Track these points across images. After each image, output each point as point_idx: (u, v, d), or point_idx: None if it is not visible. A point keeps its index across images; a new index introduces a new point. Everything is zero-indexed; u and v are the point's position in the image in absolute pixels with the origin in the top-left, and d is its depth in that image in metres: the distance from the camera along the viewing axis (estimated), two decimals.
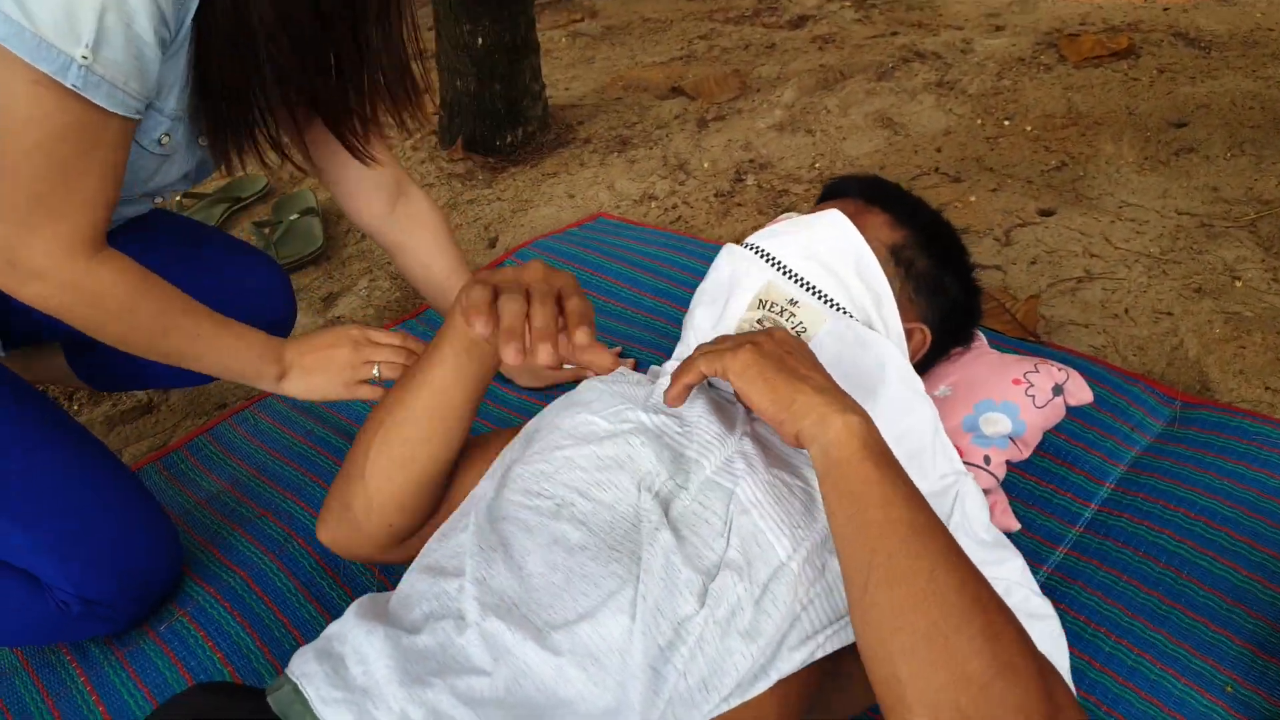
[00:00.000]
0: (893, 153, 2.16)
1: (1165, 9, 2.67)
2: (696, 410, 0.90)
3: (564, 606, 0.74)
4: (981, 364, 1.14)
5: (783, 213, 1.97)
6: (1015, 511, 1.11)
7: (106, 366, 1.42)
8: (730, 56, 2.91)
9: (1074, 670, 0.95)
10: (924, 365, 1.03)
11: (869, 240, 0.97)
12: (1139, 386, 1.28)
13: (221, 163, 1.19)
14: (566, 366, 1.43)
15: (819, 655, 0.74)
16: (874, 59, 2.64)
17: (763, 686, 0.72)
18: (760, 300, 0.95)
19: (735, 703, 0.71)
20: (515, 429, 1.01)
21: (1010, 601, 0.86)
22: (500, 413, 1.45)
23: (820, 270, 0.95)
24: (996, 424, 1.09)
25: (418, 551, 0.91)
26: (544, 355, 0.69)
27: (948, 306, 1.03)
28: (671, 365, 1.01)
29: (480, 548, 0.80)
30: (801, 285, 0.94)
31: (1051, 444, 1.19)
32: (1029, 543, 1.09)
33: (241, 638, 1.13)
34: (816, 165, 2.18)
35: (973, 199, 1.91)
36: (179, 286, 1.27)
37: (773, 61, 2.79)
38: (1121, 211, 1.78)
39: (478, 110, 2.38)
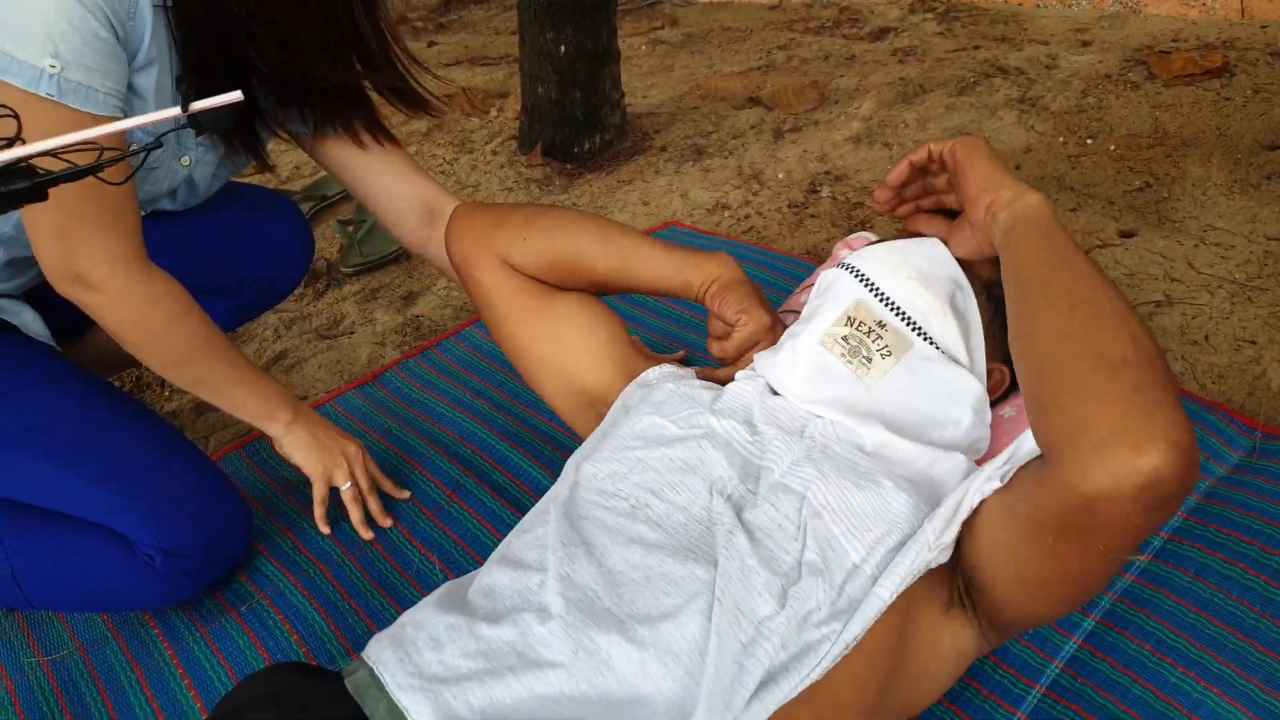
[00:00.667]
0: None
1: (1264, 26, 2.59)
2: (764, 418, 0.93)
3: (646, 604, 0.77)
4: None
5: (857, 226, 1.97)
6: None
7: None
8: (809, 67, 2.91)
9: (1136, 699, 0.94)
10: (996, 403, 1.03)
11: (966, 272, 0.98)
12: (1217, 415, 1.25)
13: (228, 169, 1.30)
14: None
15: (876, 613, 0.78)
16: (955, 73, 2.62)
17: (834, 658, 0.77)
18: (849, 318, 0.96)
19: (814, 678, 0.76)
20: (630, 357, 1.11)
21: None
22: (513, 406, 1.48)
23: (912, 297, 0.95)
24: None
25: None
26: None
27: None
28: (747, 371, 1.02)
29: (562, 544, 0.83)
30: (891, 309, 0.95)
31: None
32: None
33: (317, 622, 1.18)
34: None
35: None
36: (192, 238, 1.38)
37: (852, 73, 2.78)
38: (1206, 235, 1.74)
39: (558, 117, 2.43)
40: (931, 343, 0.94)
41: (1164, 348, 1.50)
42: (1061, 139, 2.19)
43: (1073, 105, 2.32)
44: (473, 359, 1.65)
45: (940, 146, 0.98)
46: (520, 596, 0.81)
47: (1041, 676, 0.98)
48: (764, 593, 0.77)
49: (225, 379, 1.19)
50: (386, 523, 1.30)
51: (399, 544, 1.29)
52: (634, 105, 2.77)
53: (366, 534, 1.29)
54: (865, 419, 0.92)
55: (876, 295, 0.96)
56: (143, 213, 1.28)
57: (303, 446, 1.26)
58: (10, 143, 0.62)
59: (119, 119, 1.00)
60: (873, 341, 0.95)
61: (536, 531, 0.89)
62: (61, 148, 0.62)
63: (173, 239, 1.36)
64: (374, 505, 1.30)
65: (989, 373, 0.99)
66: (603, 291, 1.14)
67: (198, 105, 0.62)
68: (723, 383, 1.02)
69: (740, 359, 1.05)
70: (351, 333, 1.95)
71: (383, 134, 1.30)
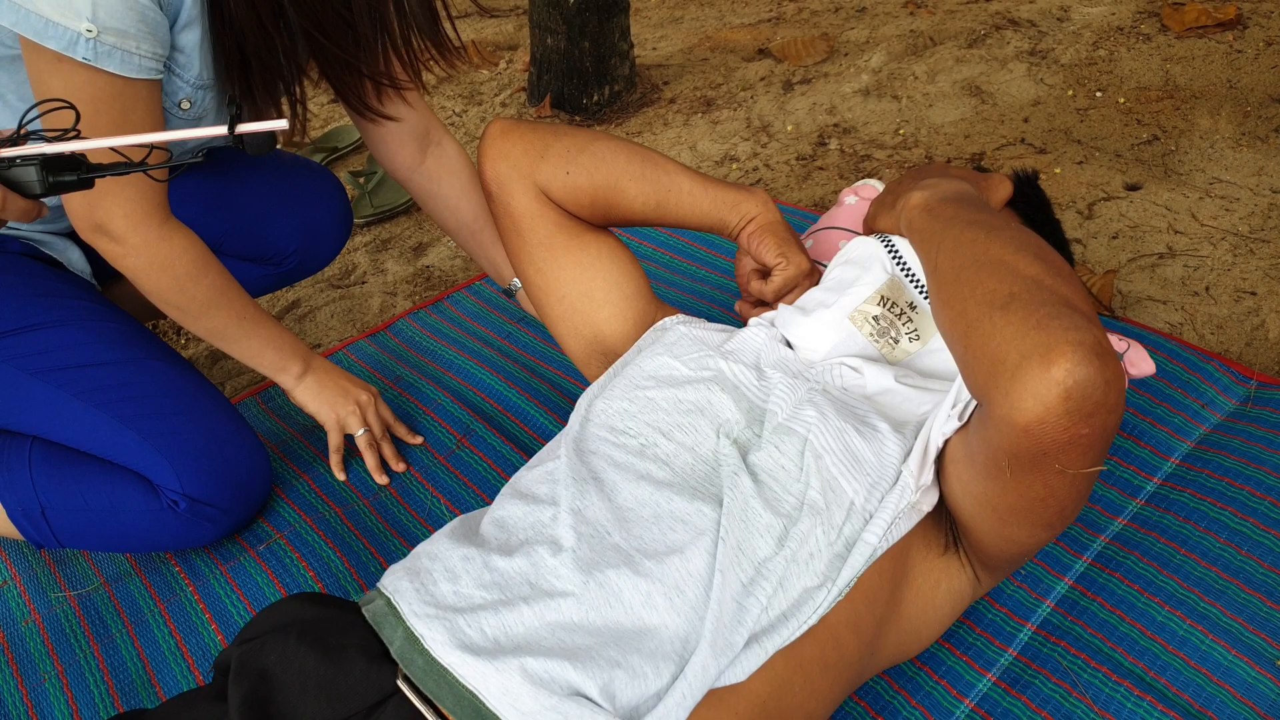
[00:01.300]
0: (979, 121, 2.14)
1: None
2: (770, 362, 0.96)
3: (654, 539, 0.80)
4: None
5: (864, 177, 1.98)
6: None
7: None
8: (819, 19, 2.89)
9: (1124, 637, 0.98)
10: None
11: None
12: (1213, 364, 1.27)
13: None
14: None
15: (865, 559, 0.82)
16: (966, 26, 2.60)
17: (830, 604, 0.80)
18: (883, 297, 0.97)
19: (811, 624, 0.79)
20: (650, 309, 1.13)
21: None
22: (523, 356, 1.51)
23: None
24: None
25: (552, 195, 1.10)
26: None
27: None
28: (763, 320, 1.04)
29: (574, 479, 0.86)
30: (923, 293, 0.97)
31: None
32: (1088, 512, 1.11)
33: (332, 560, 1.22)
34: (901, 132, 2.17)
35: (1058, 171, 1.89)
36: (232, 205, 1.40)
37: (862, 26, 2.77)
38: (1212, 188, 1.75)
39: (566, 68, 2.43)
40: None
41: (1164, 299, 1.52)
42: (1071, 92, 2.18)
43: (1083, 58, 2.31)
44: (484, 311, 1.68)
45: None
46: (533, 529, 0.84)
47: (1033, 615, 1.02)
48: (765, 534, 0.80)
49: (240, 331, 1.21)
50: (400, 467, 1.34)
51: (411, 487, 1.33)
52: (643, 57, 2.76)
53: (381, 479, 1.32)
54: (874, 365, 0.94)
55: (909, 277, 0.98)
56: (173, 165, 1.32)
57: (315, 396, 1.29)
58: (66, 134, 0.65)
59: (156, 80, 1.02)
60: (903, 325, 0.96)
61: (548, 466, 0.91)
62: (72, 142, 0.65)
63: (215, 207, 1.39)
64: (388, 450, 1.34)
65: None
66: (639, 225, 1.13)
67: (244, 128, 0.64)
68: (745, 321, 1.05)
69: (776, 302, 1.07)
70: (363, 283, 1.97)
71: (403, 79, 1.27)
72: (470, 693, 0.72)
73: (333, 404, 1.30)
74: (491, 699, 0.71)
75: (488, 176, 1.11)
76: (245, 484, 1.23)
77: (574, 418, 0.96)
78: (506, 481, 1.28)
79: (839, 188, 1.99)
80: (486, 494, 1.30)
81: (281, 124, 0.64)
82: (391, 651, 0.77)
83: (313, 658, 0.76)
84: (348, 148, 2.47)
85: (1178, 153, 1.87)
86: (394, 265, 2.00)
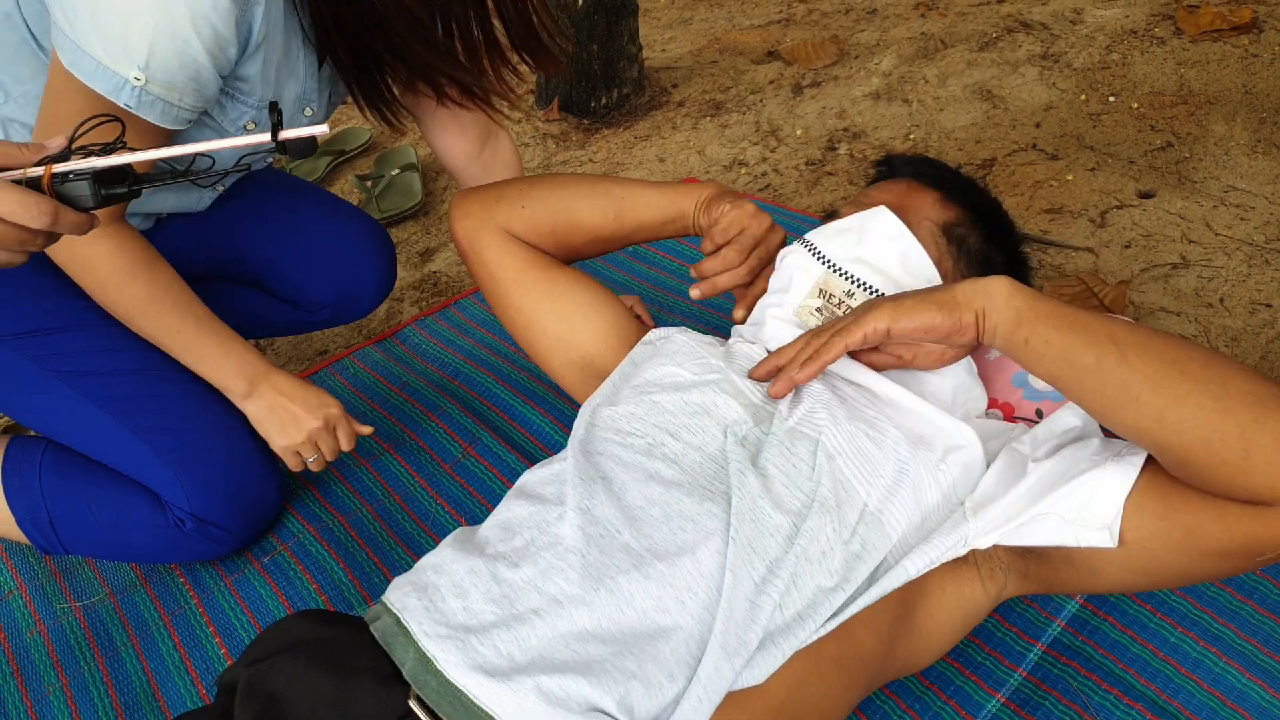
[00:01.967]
0: (990, 126, 2.13)
1: None
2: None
3: (664, 539, 0.79)
4: None
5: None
6: None
7: None
8: (829, 21, 2.87)
9: (1135, 659, 0.96)
10: None
11: (920, 219, 1.02)
12: None
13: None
14: None
15: (900, 584, 0.83)
16: (977, 28, 2.58)
17: (857, 609, 0.81)
18: (820, 290, 1.00)
19: (829, 629, 0.79)
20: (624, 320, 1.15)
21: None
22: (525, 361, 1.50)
23: (868, 269, 0.99)
24: None
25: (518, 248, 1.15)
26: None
27: None
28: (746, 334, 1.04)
29: (581, 478, 0.85)
30: (853, 282, 0.99)
31: None
32: None
33: (335, 572, 1.21)
34: (911, 136, 2.16)
35: (1069, 178, 1.87)
36: (273, 244, 1.34)
37: (872, 28, 2.75)
38: (1227, 196, 1.73)
39: (574, 71, 2.41)
40: None
41: (1178, 310, 1.50)
42: (1083, 96, 2.16)
43: (1096, 61, 2.29)
44: (489, 318, 1.67)
45: (855, 338, 0.88)
46: (539, 529, 0.83)
47: (1043, 635, 1.00)
48: (775, 533, 0.80)
49: (174, 345, 1.14)
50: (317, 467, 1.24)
51: (416, 495, 1.32)
52: (651, 59, 2.75)
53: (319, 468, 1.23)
54: (862, 371, 0.96)
55: (836, 271, 1.00)
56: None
57: (260, 423, 1.19)
58: (111, 147, 0.66)
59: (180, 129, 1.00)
60: (842, 311, 0.98)
61: (554, 468, 0.91)
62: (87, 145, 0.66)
63: (255, 245, 1.36)
64: (327, 457, 1.24)
65: None
66: (608, 247, 1.17)
67: (286, 134, 0.65)
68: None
69: (744, 262, 1.07)
70: None
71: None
72: (486, 715, 0.71)
73: (282, 432, 1.19)
74: None
75: (459, 237, 1.17)
76: (255, 508, 1.22)
77: (578, 424, 0.96)
78: (507, 486, 1.29)
79: (849, 193, 1.98)
80: (491, 503, 1.29)
81: (321, 129, 0.66)
82: (404, 673, 0.75)
83: (323, 680, 0.75)
84: (355, 150, 2.46)
85: (1192, 160, 1.85)
86: (401, 270, 2.00)
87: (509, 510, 0.88)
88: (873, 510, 0.83)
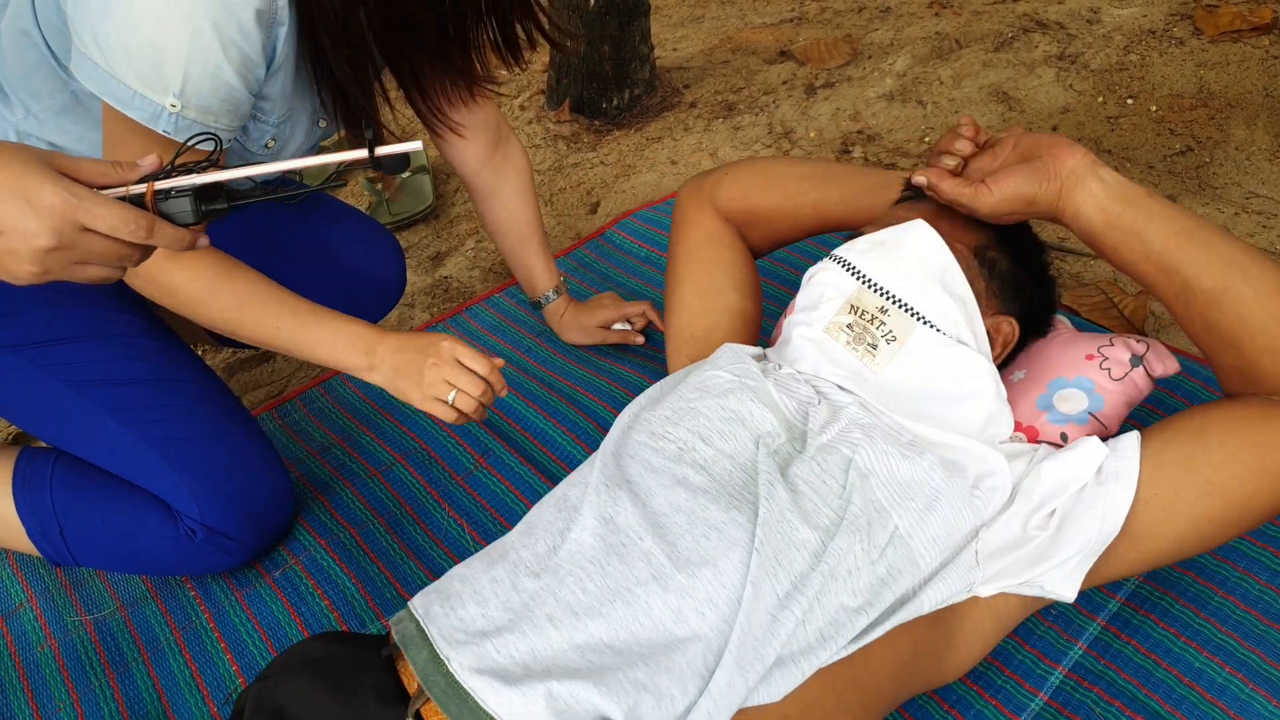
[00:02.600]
0: (1006, 129, 2.10)
1: None
2: (807, 393, 0.96)
3: (687, 548, 0.79)
4: (1054, 345, 1.13)
5: None
6: None
7: None
8: (842, 20, 2.84)
9: (1160, 684, 0.95)
10: (1008, 358, 1.05)
11: (952, 242, 0.99)
12: None
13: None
14: (616, 327, 1.48)
15: (913, 617, 0.82)
16: (992, 28, 2.55)
17: (875, 635, 0.80)
18: (851, 305, 0.98)
19: (850, 650, 0.79)
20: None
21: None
22: (542, 373, 1.49)
23: (905, 284, 0.97)
24: (1072, 400, 1.07)
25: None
26: None
27: (1029, 301, 1.04)
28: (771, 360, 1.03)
29: (606, 484, 0.85)
30: (887, 297, 0.97)
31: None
32: None
33: (348, 588, 1.20)
34: (926, 139, 2.14)
35: None
36: (286, 254, 1.34)
37: (886, 27, 2.72)
38: (1248, 203, 1.71)
39: (586, 72, 2.40)
40: (933, 327, 0.95)
41: None
42: (1101, 99, 2.13)
43: (1114, 63, 2.26)
44: (503, 325, 1.66)
45: (960, 193, 0.97)
46: (559, 534, 0.83)
47: (1064, 658, 0.99)
48: (801, 548, 0.79)
49: (279, 340, 1.11)
50: (504, 393, 1.17)
51: (428, 506, 1.31)
52: (663, 58, 2.72)
53: (481, 416, 1.15)
54: (890, 402, 0.95)
55: (871, 287, 0.98)
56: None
57: (393, 386, 1.14)
58: (207, 164, 0.70)
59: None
60: (876, 328, 0.96)
61: (582, 470, 0.92)
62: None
63: (260, 264, 1.32)
64: (485, 401, 1.15)
65: (996, 327, 1.00)
66: (816, 218, 1.21)
67: (383, 150, 0.68)
68: None
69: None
70: None
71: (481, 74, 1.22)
72: (491, 718, 0.72)
73: (415, 385, 1.13)
74: None
75: (724, 203, 1.22)
76: (266, 519, 1.21)
77: (617, 425, 0.96)
78: (524, 503, 1.28)
79: None
80: (504, 516, 1.28)
81: (416, 145, 0.69)
82: (414, 670, 0.77)
83: (325, 695, 0.77)
84: None
85: (1212, 165, 1.83)
86: (411, 275, 1.98)
87: (537, 514, 0.89)
88: (903, 534, 0.82)
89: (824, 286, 1.02)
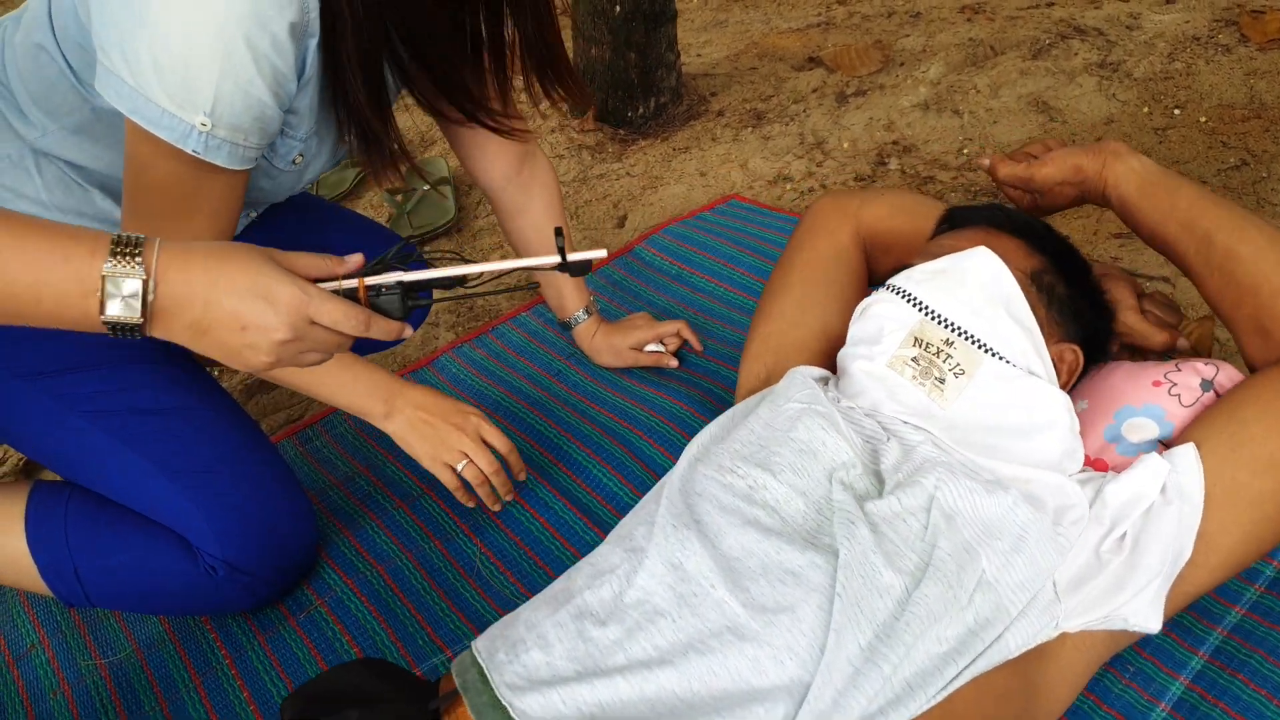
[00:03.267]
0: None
1: None
2: (875, 429, 0.92)
3: (762, 594, 0.75)
4: (1117, 373, 1.08)
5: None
6: None
7: None
8: (871, 25, 2.77)
9: None
10: (1071, 389, 1.01)
11: (1009, 268, 0.96)
12: None
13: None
14: (649, 348, 1.42)
15: (1000, 661, 0.78)
16: (1028, 34, 2.48)
17: (961, 682, 0.76)
18: (915, 338, 0.94)
19: (937, 701, 0.75)
20: None
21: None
22: (574, 399, 1.43)
23: (969, 315, 0.93)
24: (1142, 430, 1.02)
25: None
26: None
27: (1088, 327, 1.01)
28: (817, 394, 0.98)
29: (674, 525, 0.82)
30: (951, 329, 0.92)
31: None
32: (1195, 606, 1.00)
33: (376, 631, 1.14)
34: (965, 151, 2.07)
35: None
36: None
37: (917, 32, 2.65)
38: None
39: (612, 79, 2.33)
40: (1001, 358, 0.92)
41: None
42: (1146, 109, 2.06)
43: (1158, 71, 2.19)
44: (530, 345, 1.60)
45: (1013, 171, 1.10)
46: (626, 579, 0.80)
47: (1165, 695, 0.92)
48: (886, 594, 0.75)
49: (303, 383, 1.15)
50: (509, 497, 1.25)
51: (459, 541, 1.25)
52: (688, 65, 2.66)
53: (496, 506, 1.24)
54: (960, 438, 0.90)
55: (934, 318, 0.94)
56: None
57: (404, 440, 1.18)
58: (412, 260, 0.77)
59: (247, 171, 0.97)
60: (943, 361, 0.92)
61: (648, 506, 0.89)
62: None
63: None
64: (497, 483, 1.21)
65: (1060, 356, 0.97)
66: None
67: (575, 256, 0.75)
68: None
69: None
70: None
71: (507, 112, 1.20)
72: None
73: (426, 444, 1.17)
74: None
75: (828, 219, 1.19)
76: (288, 554, 1.16)
77: (684, 458, 0.93)
78: (557, 539, 1.22)
79: None
80: (537, 553, 1.22)
81: (600, 253, 0.76)
82: (472, 716, 0.75)
83: None
84: None
85: (1270, 180, 1.76)
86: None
87: (603, 555, 0.86)
88: (990, 579, 0.78)
89: (883, 319, 0.97)
